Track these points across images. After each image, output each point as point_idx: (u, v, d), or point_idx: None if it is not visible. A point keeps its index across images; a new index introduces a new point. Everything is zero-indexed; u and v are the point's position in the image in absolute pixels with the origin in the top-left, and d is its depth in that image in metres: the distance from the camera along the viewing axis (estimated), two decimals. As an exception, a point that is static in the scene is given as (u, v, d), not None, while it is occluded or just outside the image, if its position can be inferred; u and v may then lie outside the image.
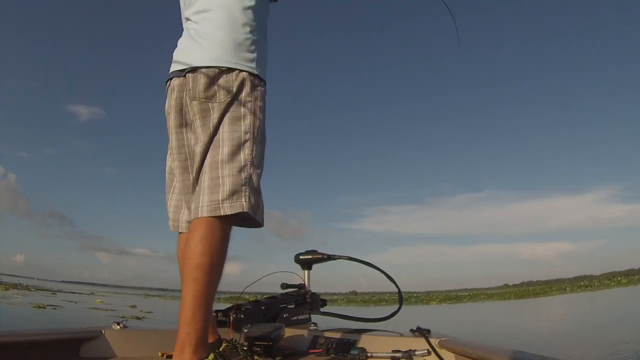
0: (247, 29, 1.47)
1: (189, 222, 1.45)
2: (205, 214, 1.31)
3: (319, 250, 2.57)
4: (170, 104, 1.50)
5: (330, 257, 2.52)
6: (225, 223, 1.34)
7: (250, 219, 1.40)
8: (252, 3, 1.50)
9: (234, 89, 1.41)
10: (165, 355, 1.60)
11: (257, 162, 1.42)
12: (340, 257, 2.52)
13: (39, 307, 12.21)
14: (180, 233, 1.59)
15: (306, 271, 2.58)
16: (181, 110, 1.48)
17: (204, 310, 1.27)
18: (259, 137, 1.44)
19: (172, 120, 1.51)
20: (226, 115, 1.41)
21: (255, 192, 1.40)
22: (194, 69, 1.43)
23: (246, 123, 1.41)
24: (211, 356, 1.29)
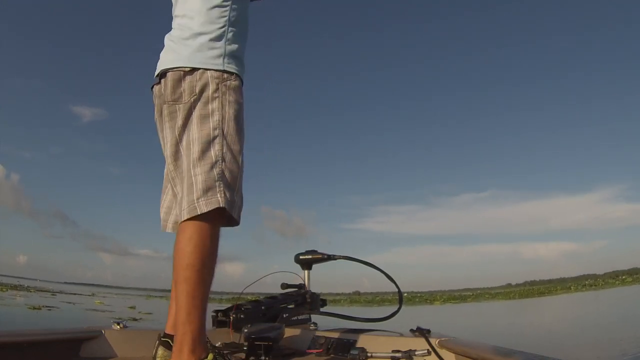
0: (217, 25, 1.46)
1: (177, 222, 1.45)
2: (186, 216, 1.32)
3: (319, 250, 2.57)
4: (154, 110, 1.53)
5: (330, 257, 2.52)
6: (210, 221, 1.33)
7: (228, 216, 1.38)
8: None
9: (197, 89, 1.41)
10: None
11: (230, 157, 1.40)
12: (340, 257, 2.52)
13: (34, 308, 11.87)
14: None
15: (306, 271, 2.59)
16: (161, 116, 1.50)
17: (199, 310, 1.27)
18: (231, 131, 1.42)
19: (157, 126, 1.54)
20: (193, 115, 1.41)
21: (230, 187, 1.38)
22: (164, 73, 1.46)
23: (214, 120, 1.40)
24: (210, 356, 1.28)
